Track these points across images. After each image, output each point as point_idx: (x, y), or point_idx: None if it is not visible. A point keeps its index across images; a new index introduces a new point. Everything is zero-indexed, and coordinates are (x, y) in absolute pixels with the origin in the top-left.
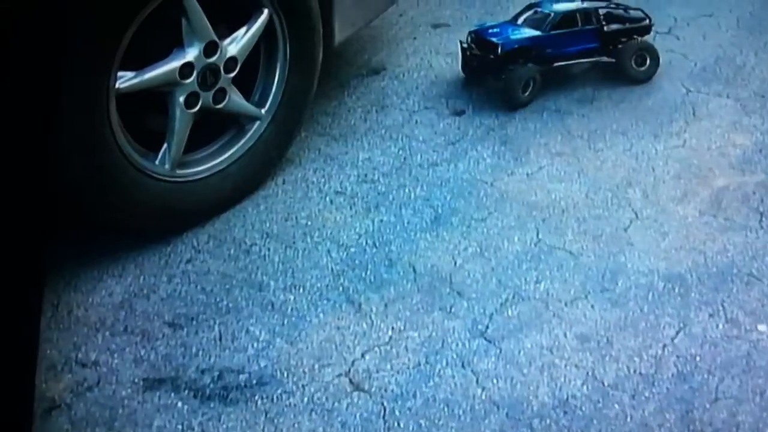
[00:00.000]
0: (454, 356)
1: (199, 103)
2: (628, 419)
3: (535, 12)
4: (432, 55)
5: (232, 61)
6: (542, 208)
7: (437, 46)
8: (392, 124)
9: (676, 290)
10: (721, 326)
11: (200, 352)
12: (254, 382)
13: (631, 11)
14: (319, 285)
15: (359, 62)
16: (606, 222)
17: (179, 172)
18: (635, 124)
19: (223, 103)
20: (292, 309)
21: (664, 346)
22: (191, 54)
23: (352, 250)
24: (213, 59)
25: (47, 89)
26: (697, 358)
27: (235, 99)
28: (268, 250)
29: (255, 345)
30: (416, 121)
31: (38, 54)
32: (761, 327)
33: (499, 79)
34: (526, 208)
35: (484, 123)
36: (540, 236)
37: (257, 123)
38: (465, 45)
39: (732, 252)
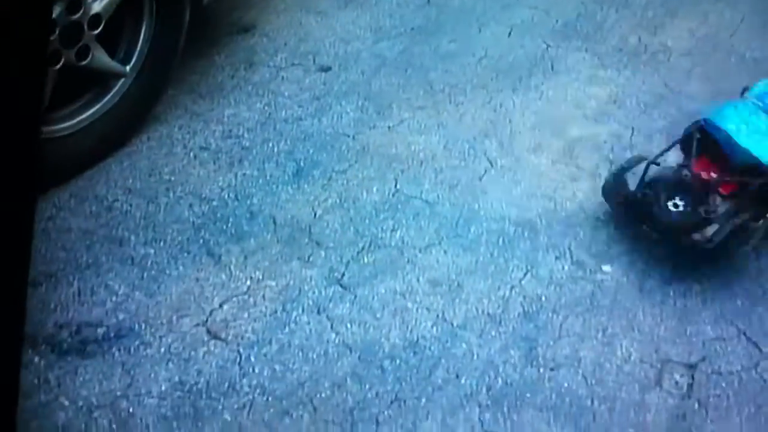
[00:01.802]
0: (310, 303)
1: (62, 61)
2: (475, 357)
3: None
4: (302, 13)
5: (96, 18)
6: (402, 159)
7: (307, 5)
8: (259, 81)
9: (526, 235)
10: (567, 268)
11: (58, 308)
12: (112, 335)
13: None
14: (179, 239)
15: (229, 20)
16: (462, 172)
17: (43, 128)
18: (495, 78)
19: (87, 60)
20: (152, 263)
21: (512, 287)
22: (53, 11)
23: (214, 203)
24: (76, 16)
25: None
26: (543, 299)
27: (99, 56)
28: (130, 206)
29: (114, 299)
30: (282, 78)
31: None
32: (606, 267)
33: None
34: (386, 160)
35: (349, 79)
36: (398, 186)
37: (122, 80)
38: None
39: (581, 198)
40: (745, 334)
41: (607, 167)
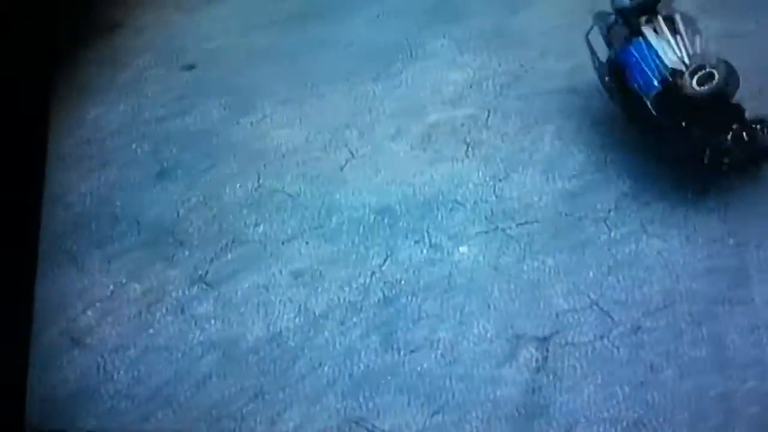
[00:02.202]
0: (174, 303)
1: None
2: (336, 345)
3: None
4: (170, 10)
5: None
6: (264, 154)
7: (175, 2)
8: (123, 82)
9: (386, 221)
10: (425, 251)
11: None
12: None
13: None
14: (41, 247)
15: (97, 17)
16: (324, 163)
17: None
18: (357, 67)
19: None
20: None
21: (372, 273)
22: None
23: (77, 210)
24: None
25: None
26: (402, 283)
27: None
28: None
29: None
30: (147, 78)
31: None
32: (462, 249)
33: None
34: (249, 156)
35: (214, 76)
36: (261, 181)
37: None
38: None
39: (439, 181)
40: (597, 304)
41: (464, 149)
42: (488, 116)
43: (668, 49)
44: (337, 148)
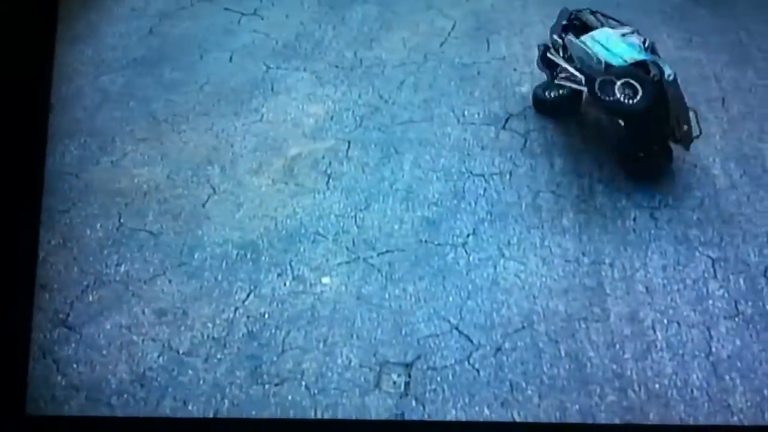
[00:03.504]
0: (36, 348)
1: None
2: (201, 382)
3: None
4: None
5: None
6: (125, 193)
7: None
8: None
9: (249, 256)
10: (288, 284)
11: None
12: None
13: None
14: None
15: None
16: (186, 200)
17: None
18: (217, 104)
19: None
20: None
21: (236, 309)
22: None
23: None
24: None
25: None
26: (266, 316)
27: None
28: None
29: None
30: None
31: None
32: (325, 280)
33: None
34: (110, 195)
35: (72, 116)
36: (122, 221)
37: None
38: None
39: (301, 214)
40: (457, 328)
41: (325, 181)
42: (348, 148)
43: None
44: (199, 185)
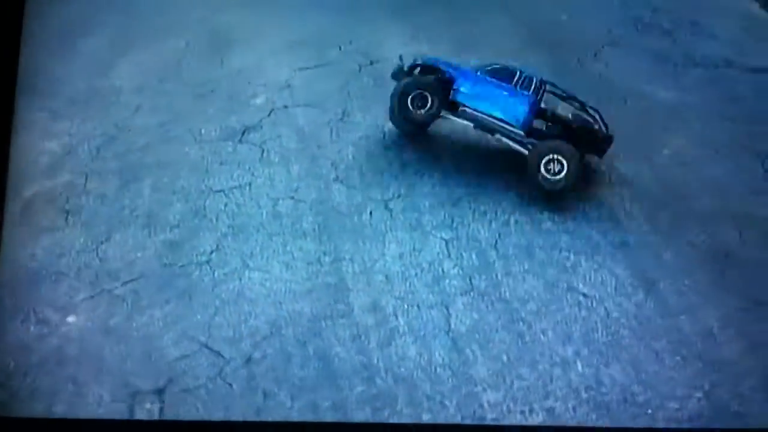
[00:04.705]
0: None
1: None
2: None
3: None
4: None
5: None
6: None
7: None
8: None
9: None
10: (32, 328)
11: None
12: None
13: None
14: None
15: None
16: None
17: None
18: None
19: None
20: None
21: None
22: None
23: None
24: None
25: None
26: (12, 365)
27: None
28: None
29: None
30: None
31: None
32: (70, 318)
33: None
34: None
35: None
36: None
37: None
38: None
39: (41, 255)
40: (206, 345)
41: (64, 217)
42: (86, 180)
43: None
44: None
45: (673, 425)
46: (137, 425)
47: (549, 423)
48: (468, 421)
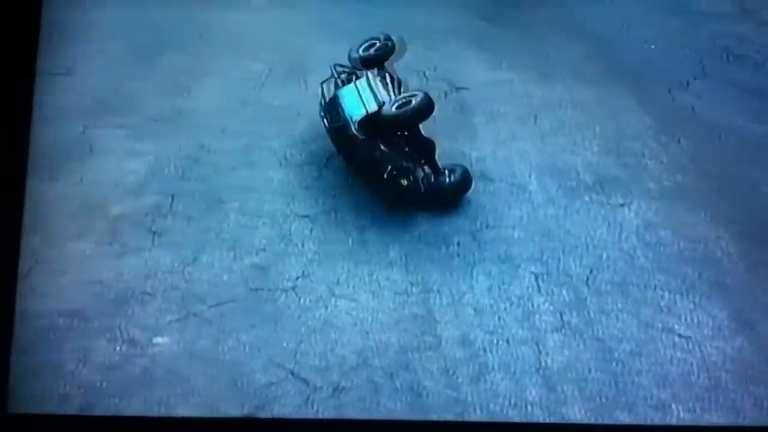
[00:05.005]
0: None
1: None
2: None
3: None
4: None
5: None
6: None
7: None
8: None
9: (76, 324)
10: (120, 348)
11: None
12: None
13: None
14: None
15: None
16: None
17: None
18: (30, 170)
19: None
20: None
21: (66, 382)
22: None
23: None
24: None
25: None
26: (100, 385)
27: None
28: None
29: None
30: None
31: None
32: (157, 340)
33: None
34: None
35: None
36: None
37: None
38: None
39: (127, 275)
40: (293, 373)
41: (150, 238)
42: (172, 201)
43: (371, 95)
44: (24, 257)
45: None
46: None
47: None
48: None
